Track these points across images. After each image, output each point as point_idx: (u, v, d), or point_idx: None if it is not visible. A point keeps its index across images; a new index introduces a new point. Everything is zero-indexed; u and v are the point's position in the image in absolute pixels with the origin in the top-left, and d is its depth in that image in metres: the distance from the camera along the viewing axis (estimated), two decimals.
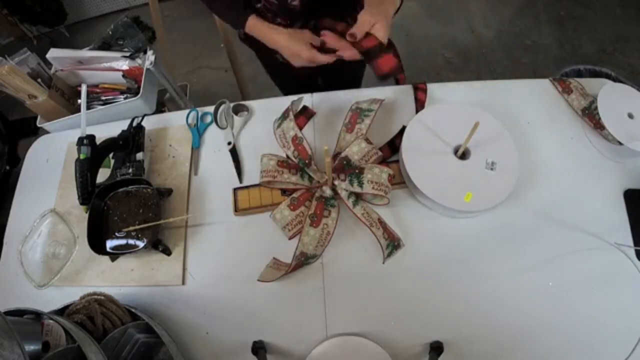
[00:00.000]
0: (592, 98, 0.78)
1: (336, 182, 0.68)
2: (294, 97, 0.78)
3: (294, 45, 0.65)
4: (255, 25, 0.70)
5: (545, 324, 0.62)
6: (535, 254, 0.67)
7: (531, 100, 0.81)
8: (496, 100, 0.80)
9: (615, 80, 0.84)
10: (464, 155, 0.70)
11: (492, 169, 0.68)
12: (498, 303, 0.64)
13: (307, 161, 0.71)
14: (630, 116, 0.73)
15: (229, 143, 0.80)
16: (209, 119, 0.85)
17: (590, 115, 0.76)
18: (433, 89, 0.82)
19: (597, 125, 0.74)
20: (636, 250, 0.65)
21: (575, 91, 0.80)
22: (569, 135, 0.77)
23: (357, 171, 0.68)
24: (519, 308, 0.63)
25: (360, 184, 0.66)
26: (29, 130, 1.80)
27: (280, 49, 0.69)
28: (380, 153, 0.72)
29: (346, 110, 0.78)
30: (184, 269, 0.71)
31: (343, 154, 0.72)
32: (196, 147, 0.81)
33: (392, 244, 0.66)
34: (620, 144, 0.70)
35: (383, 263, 0.65)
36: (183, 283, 0.70)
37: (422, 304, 0.65)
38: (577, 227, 0.68)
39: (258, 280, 0.66)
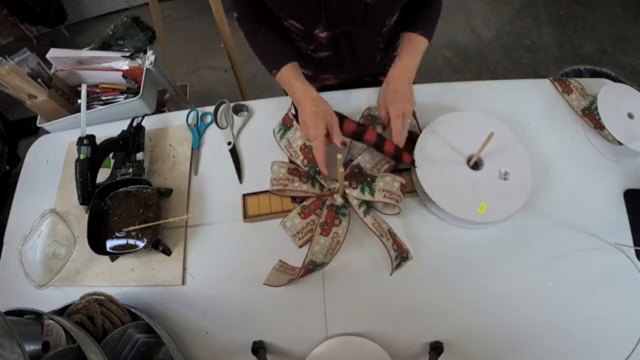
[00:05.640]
0: (592, 98, 0.78)
1: (347, 190, 0.67)
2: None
3: (312, 120, 0.64)
4: (287, 77, 0.69)
5: (545, 324, 0.62)
6: (535, 254, 0.67)
7: (531, 100, 0.81)
8: (496, 100, 0.81)
9: (615, 80, 0.84)
10: (476, 165, 0.69)
11: (505, 179, 0.66)
12: (498, 303, 0.64)
13: (318, 169, 0.69)
14: (630, 116, 0.73)
15: (229, 143, 0.80)
16: (209, 119, 0.85)
17: (590, 115, 0.76)
18: (433, 88, 0.82)
19: (597, 125, 0.74)
20: (636, 250, 0.65)
21: (575, 91, 0.80)
22: (569, 135, 0.77)
23: (368, 179, 0.67)
24: (519, 308, 0.63)
25: (372, 192, 0.65)
26: (29, 130, 1.80)
27: (301, 113, 0.68)
28: (392, 161, 0.71)
29: (357, 116, 0.77)
30: (184, 269, 0.70)
31: (355, 162, 0.71)
32: (196, 147, 0.81)
33: (401, 255, 0.65)
34: (620, 144, 0.70)
35: (391, 274, 0.65)
36: (183, 283, 0.70)
37: (422, 304, 0.64)
38: (577, 227, 0.68)
39: (264, 284, 0.65)
